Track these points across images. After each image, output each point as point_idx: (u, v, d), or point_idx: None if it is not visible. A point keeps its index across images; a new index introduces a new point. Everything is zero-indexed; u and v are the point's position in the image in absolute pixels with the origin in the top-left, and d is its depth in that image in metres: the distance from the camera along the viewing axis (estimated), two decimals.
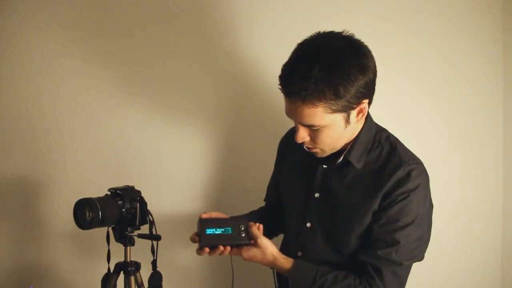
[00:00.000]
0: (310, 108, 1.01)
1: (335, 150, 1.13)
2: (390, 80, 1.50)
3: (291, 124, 1.38)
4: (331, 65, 0.99)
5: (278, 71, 1.05)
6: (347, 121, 1.07)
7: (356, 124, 1.10)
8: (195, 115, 1.61)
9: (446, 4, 1.64)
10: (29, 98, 1.55)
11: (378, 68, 1.12)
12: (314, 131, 1.07)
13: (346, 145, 1.14)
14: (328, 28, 1.06)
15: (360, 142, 1.13)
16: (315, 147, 1.11)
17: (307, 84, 0.98)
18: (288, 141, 1.34)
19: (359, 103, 1.05)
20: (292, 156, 1.29)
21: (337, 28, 1.07)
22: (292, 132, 1.34)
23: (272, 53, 1.58)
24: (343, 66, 1.00)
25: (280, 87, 1.04)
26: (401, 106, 1.64)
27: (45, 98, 1.55)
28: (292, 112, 1.06)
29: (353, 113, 1.06)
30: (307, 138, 1.09)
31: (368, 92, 1.05)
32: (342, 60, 1.00)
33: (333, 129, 1.06)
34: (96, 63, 1.56)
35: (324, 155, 1.14)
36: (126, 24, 1.56)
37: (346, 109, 1.04)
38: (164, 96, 1.59)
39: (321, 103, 1.00)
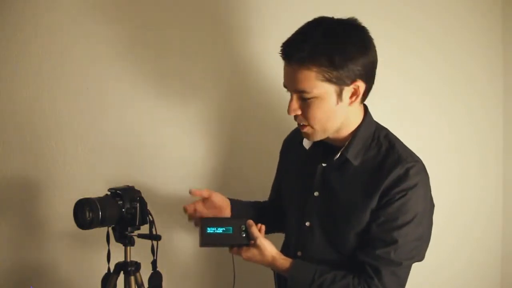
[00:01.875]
0: (305, 71, 1.03)
1: (326, 134, 1.12)
2: (390, 80, 1.50)
3: (294, 124, 1.38)
4: (331, 34, 1.03)
5: (280, 70, 1.06)
6: (340, 97, 1.06)
7: (350, 107, 1.10)
8: (196, 116, 1.60)
9: (446, 4, 1.64)
10: (29, 98, 1.55)
11: (378, 68, 1.12)
12: (305, 102, 1.07)
13: (344, 141, 1.14)
14: None
15: (358, 138, 1.13)
16: (306, 124, 1.10)
17: (304, 47, 1.02)
18: (290, 142, 1.34)
19: (353, 81, 1.06)
20: (293, 156, 1.29)
21: None
22: (295, 133, 1.35)
23: (273, 53, 1.58)
24: (342, 38, 1.04)
25: (280, 53, 1.06)
26: (401, 106, 1.63)
27: (45, 98, 1.55)
28: (288, 78, 1.07)
29: (347, 90, 1.07)
30: (299, 111, 1.09)
31: (365, 74, 1.06)
32: (343, 33, 1.05)
33: (325, 102, 1.06)
34: (96, 63, 1.56)
35: (316, 137, 1.12)
36: (126, 25, 1.56)
37: (339, 83, 1.05)
38: (164, 97, 1.59)
39: (315, 67, 1.02)
